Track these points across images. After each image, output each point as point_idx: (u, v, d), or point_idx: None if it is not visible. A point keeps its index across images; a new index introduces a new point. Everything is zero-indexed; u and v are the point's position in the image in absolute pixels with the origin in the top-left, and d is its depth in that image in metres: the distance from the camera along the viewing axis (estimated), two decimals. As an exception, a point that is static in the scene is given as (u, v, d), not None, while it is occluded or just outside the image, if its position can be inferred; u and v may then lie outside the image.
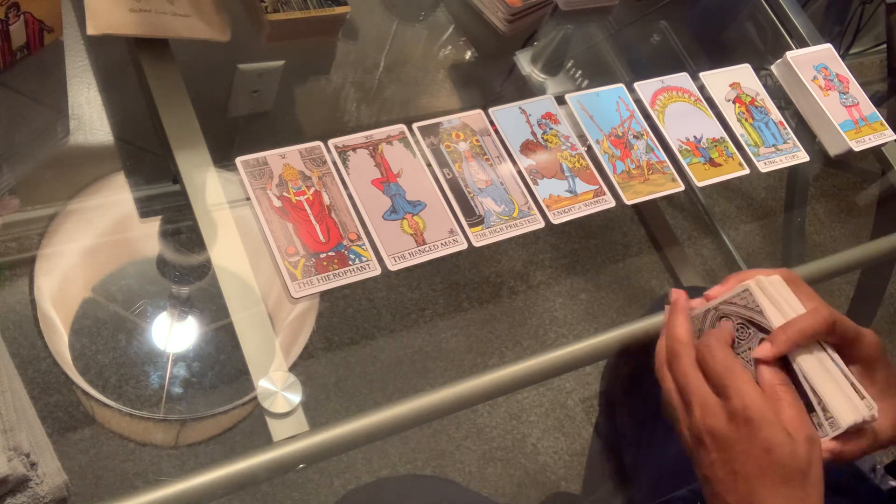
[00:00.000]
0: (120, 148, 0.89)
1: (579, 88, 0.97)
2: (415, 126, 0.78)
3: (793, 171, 1.63)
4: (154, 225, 0.94)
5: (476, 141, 0.80)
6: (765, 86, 0.97)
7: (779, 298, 0.64)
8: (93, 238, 0.99)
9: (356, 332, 1.40)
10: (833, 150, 0.97)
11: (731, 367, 0.58)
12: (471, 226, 0.74)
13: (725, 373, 0.58)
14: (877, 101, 1.03)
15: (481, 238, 0.74)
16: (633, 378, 0.97)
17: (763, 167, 0.89)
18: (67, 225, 0.92)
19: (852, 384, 0.61)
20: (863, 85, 1.02)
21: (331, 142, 0.74)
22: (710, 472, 0.58)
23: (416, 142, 0.77)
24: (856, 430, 0.60)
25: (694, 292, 0.71)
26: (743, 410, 0.56)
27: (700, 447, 0.58)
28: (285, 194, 0.70)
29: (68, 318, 1.12)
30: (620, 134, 0.86)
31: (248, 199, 0.69)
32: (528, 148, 0.81)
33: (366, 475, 1.30)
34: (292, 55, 0.95)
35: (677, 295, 0.68)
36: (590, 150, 0.83)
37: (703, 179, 0.86)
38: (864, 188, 2.01)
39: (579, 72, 1.10)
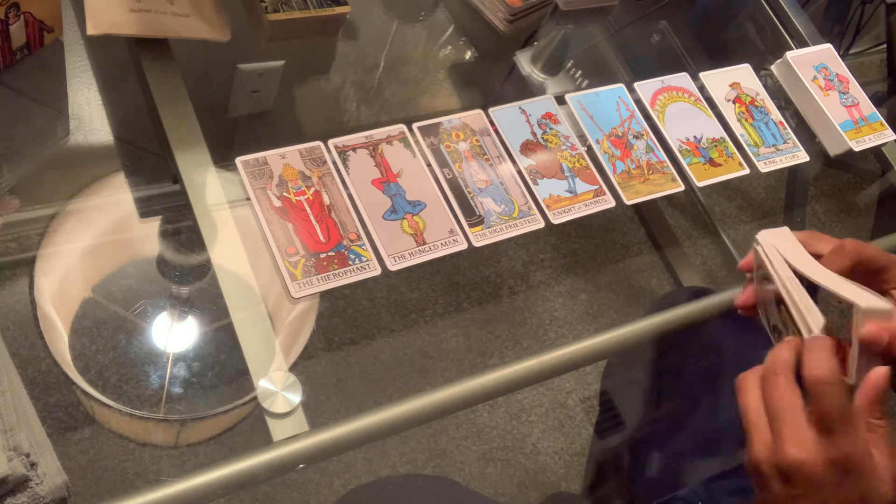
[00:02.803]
0: (120, 148, 0.89)
1: (579, 88, 0.97)
2: (415, 126, 0.78)
3: (793, 171, 1.63)
4: (154, 225, 0.94)
5: (476, 141, 0.80)
6: (765, 86, 0.97)
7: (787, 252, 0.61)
8: (93, 238, 0.99)
9: (356, 332, 1.40)
10: (833, 150, 0.97)
11: (849, 413, 0.53)
12: (471, 226, 0.74)
13: (842, 416, 0.53)
14: (877, 101, 1.03)
15: (481, 238, 0.74)
16: (633, 378, 0.97)
17: (763, 167, 0.89)
18: (67, 225, 0.92)
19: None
20: (863, 85, 1.02)
21: (331, 142, 0.74)
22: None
23: (416, 142, 0.77)
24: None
25: (694, 293, 0.70)
26: (846, 460, 0.52)
27: (779, 481, 0.54)
28: (285, 194, 0.70)
29: (68, 318, 1.12)
30: (620, 134, 0.86)
31: (248, 199, 0.69)
32: (528, 148, 0.81)
33: (366, 475, 1.30)
34: (292, 55, 0.95)
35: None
36: (590, 150, 0.83)
37: (703, 179, 0.86)
38: (864, 188, 2.00)
39: (579, 72, 1.10)
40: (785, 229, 0.64)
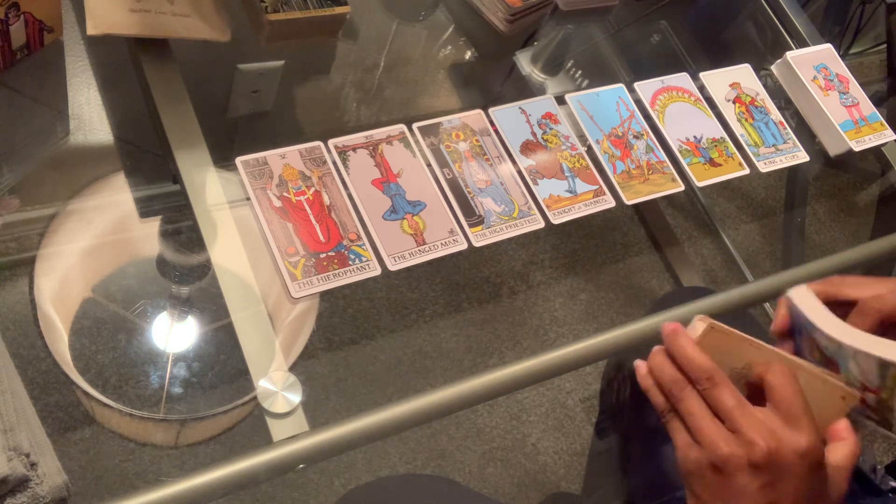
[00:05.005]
0: (120, 148, 0.89)
1: (579, 88, 0.97)
2: (415, 126, 0.78)
3: (793, 171, 1.63)
4: (154, 225, 0.94)
5: (476, 141, 0.80)
6: (765, 86, 0.97)
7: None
8: (93, 238, 0.99)
9: (356, 332, 1.40)
10: (833, 150, 0.97)
11: (808, 407, 0.56)
12: (471, 226, 0.74)
13: (805, 407, 0.56)
14: (877, 101, 1.03)
15: (481, 238, 0.74)
16: (633, 378, 0.97)
17: (763, 167, 0.89)
18: (67, 225, 0.92)
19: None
20: (863, 85, 1.02)
21: (331, 142, 0.74)
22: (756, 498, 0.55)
23: (416, 142, 0.77)
24: None
25: (694, 293, 0.70)
26: (814, 451, 0.55)
27: (747, 473, 0.55)
28: (285, 194, 0.70)
29: (68, 318, 1.12)
30: (620, 134, 0.86)
31: (248, 199, 0.69)
32: (528, 148, 0.81)
33: (366, 475, 1.30)
34: (292, 55, 0.95)
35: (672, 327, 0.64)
36: (590, 150, 0.83)
37: (703, 179, 0.86)
38: (864, 188, 2.01)
39: (579, 72, 1.10)
40: (804, 289, 0.66)
